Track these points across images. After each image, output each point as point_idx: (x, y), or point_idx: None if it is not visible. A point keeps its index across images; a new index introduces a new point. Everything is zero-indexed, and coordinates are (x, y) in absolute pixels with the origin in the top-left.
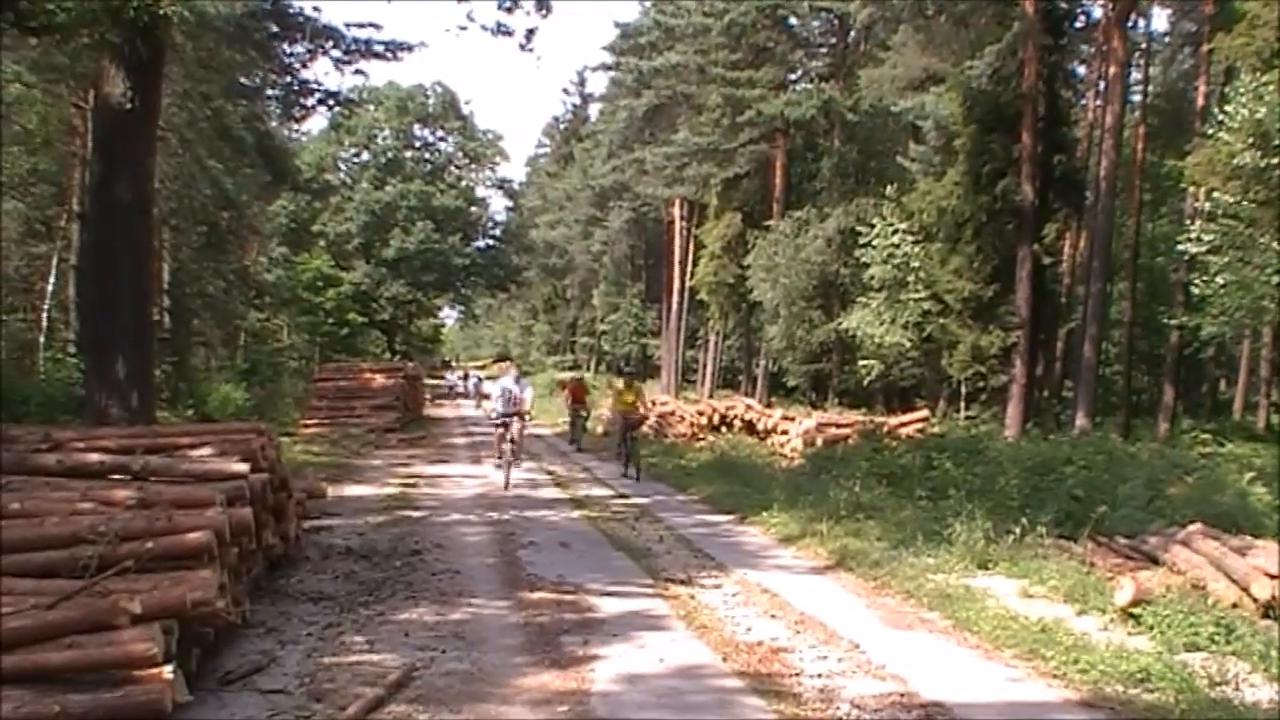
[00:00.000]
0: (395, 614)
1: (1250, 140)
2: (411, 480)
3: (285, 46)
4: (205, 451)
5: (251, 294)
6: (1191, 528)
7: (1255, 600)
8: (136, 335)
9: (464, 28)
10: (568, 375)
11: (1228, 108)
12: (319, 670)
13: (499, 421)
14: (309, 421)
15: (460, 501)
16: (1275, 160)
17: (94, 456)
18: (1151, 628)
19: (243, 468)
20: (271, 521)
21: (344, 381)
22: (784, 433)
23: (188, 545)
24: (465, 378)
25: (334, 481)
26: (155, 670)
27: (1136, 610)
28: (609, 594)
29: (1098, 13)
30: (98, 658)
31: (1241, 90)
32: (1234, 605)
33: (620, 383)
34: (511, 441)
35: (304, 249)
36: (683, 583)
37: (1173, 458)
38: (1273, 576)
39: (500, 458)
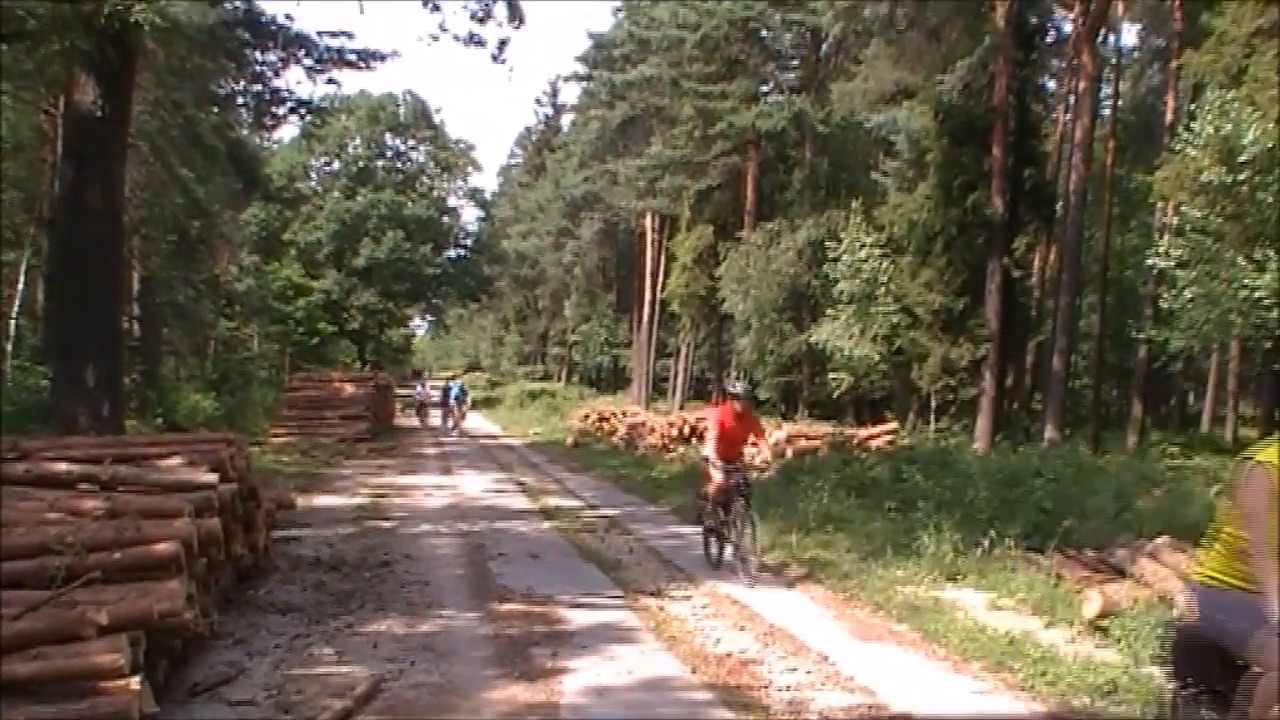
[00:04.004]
0: (364, 625)
1: (1217, 156)
2: (382, 491)
3: (257, 54)
4: (174, 461)
5: (222, 303)
6: (1159, 540)
7: None
8: (105, 343)
9: (436, 38)
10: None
11: (1194, 124)
12: (287, 682)
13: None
14: (279, 431)
15: (430, 512)
16: (1241, 176)
17: (62, 466)
18: (1119, 640)
19: (212, 478)
20: (240, 532)
21: (314, 391)
22: (754, 445)
23: (156, 556)
24: (445, 392)
25: (304, 491)
26: (122, 681)
27: (1104, 622)
28: (579, 605)
29: (1068, 27)
30: (64, 669)
31: (1208, 106)
32: None
33: None
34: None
35: (274, 258)
36: (652, 594)
37: (1141, 470)
38: None
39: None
